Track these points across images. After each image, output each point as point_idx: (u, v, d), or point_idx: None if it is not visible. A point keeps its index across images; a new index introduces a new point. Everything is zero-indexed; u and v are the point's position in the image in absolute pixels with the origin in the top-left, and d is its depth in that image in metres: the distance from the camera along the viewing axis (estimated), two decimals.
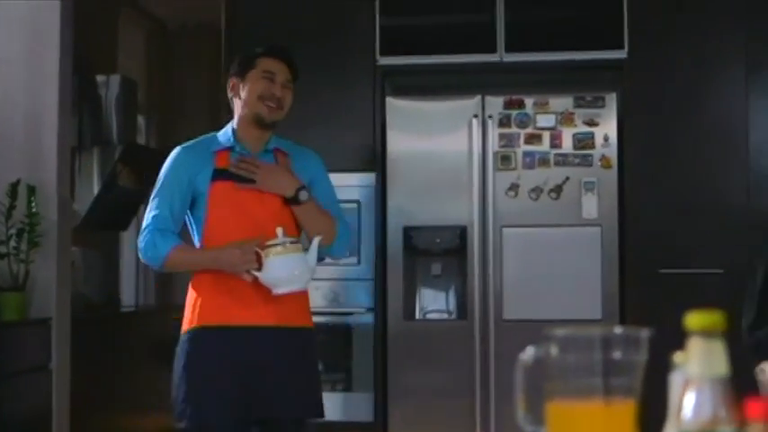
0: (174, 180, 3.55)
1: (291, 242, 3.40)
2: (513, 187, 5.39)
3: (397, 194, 5.45)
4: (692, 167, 5.41)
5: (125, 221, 7.06)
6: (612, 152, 5.35)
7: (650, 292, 5.33)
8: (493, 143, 5.41)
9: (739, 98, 5.41)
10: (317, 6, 5.70)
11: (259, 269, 3.37)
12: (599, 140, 5.36)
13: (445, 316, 5.52)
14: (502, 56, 5.55)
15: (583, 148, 5.36)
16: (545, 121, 5.38)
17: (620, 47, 5.47)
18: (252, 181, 3.50)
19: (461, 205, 5.42)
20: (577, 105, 5.37)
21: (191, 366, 3.48)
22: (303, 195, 3.51)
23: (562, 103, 5.40)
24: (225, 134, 3.62)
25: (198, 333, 3.48)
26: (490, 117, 5.42)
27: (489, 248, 5.39)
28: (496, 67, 5.61)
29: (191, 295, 3.56)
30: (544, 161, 5.38)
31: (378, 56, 5.63)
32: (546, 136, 5.39)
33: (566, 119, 5.38)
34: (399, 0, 5.67)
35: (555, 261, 5.36)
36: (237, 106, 3.62)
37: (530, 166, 5.38)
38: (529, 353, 1.37)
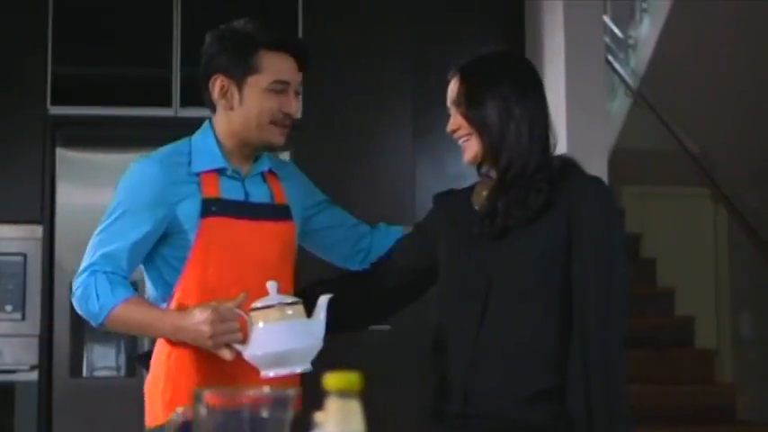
0: (149, 206, 2.57)
1: (290, 303, 2.42)
2: None
3: (66, 247, 5.28)
4: None
5: None
6: None
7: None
8: None
9: (407, 161, 5.63)
10: None
11: (243, 342, 2.38)
12: None
13: (114, 373, 5.39)
14: (177, 110, 5.53)
15: None
16: None
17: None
18: (247, 215, 2.60)
19: None
20: None
21: None
22: None
23: None
24: (207, 149, 2.64)
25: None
26: None
27: None
28: (171, 121, 5.56)
29: (167, 376, 2.52)
30: None
31: (49, 105, 5.46)
32: None
33: None
34: (72, 49, 5.54)
35: None
36: (229, 118, 2.67)
37: None
38: (178, 413, 1.36)
